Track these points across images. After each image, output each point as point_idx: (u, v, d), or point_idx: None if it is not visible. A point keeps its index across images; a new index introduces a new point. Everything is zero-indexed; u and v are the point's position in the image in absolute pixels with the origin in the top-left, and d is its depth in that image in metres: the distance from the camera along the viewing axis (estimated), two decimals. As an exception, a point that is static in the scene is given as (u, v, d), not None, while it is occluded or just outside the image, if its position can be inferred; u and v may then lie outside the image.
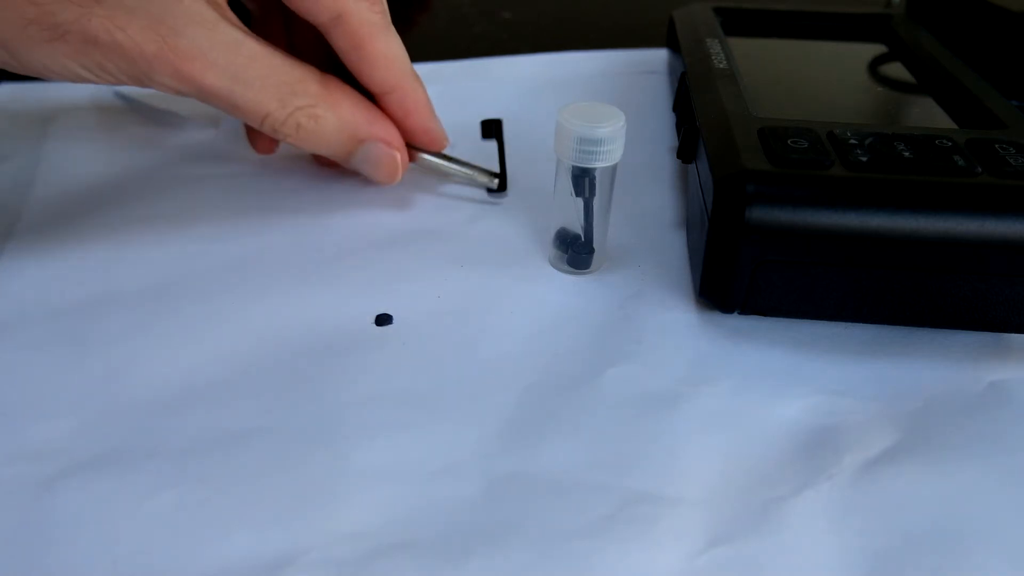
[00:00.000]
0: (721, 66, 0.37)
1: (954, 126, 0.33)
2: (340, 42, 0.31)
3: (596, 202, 0.31)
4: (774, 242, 0.27)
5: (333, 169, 0.39)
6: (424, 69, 0.50)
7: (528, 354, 0.29)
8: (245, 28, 0.29)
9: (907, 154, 0.28)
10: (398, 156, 0.33)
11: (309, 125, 0.30)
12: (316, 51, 0.35)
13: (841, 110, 0.36)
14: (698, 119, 0.32)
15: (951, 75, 0.36)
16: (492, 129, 0.41)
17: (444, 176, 0.38)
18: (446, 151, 0.37)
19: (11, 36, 0.25)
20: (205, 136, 0.42)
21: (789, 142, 0.28)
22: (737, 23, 0.46)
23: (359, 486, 0.24)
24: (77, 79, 0.27)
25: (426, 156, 0.36)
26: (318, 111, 0.30)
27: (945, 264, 0.27)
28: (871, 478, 0.25)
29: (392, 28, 0.32)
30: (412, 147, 0.36)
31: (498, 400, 0.27)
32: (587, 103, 0.31)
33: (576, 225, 0.32)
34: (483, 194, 0.38)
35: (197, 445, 0.25)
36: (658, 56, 0.53)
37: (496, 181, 0.38)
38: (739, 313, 0.30)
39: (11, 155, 0.41)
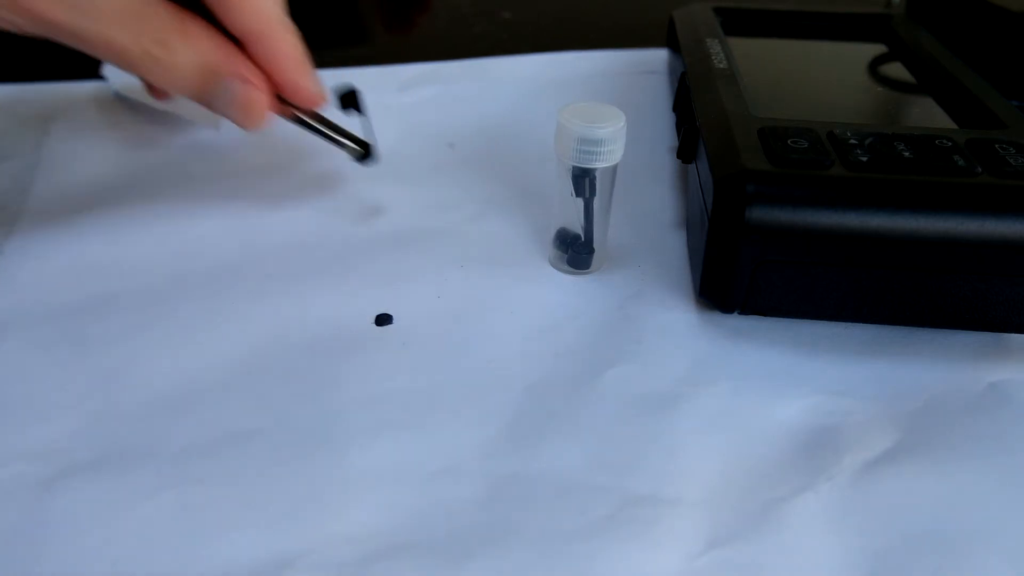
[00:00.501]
0: (721, 66, 0.37)
1: (954, 126, 0.33)
2: None
3: (596, 202, 0.31)
4: (774, 242, 0.27)
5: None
6: (424, 69, 0.51)
7: (528, 354, 0.29)
8: None
9: (907, 154, 0.28)
10: (260, 97, 0.31)
11: (163, 57, 0.28)
12: None
13: (841, 110, 0.36)
14: (698, 119, 0.32)
15: (951, 75, 0.36)
16: (351, 101, 0.35)
17: (315, 136, 0.35)
18: (321, 113, 0.35)
19: None
20: (205, 136, 0.42)
21: (789, 142, 0.28)
22: (737, 23, 0.46)
23: (359, 487, 0.24)
24: None
25: (296, 112, 0.34)
26: (172, 42, 0.29)
27: (945, 264, 0.27)
28: (871, 478, 0.25)
29: None
30: (284, 102, 0.33)
31: (498, 400, 0.27)
32: (587, 103, 0.31)
33: (576, 225, 0.32)
34: (483, 194, 0.38)
35: (197, 445, 0.25)
36: (658, 56, 0.53)
37: (362, 151, 0.35)
38: (739, 313, 0.30)
39: (11, 154, 0.41)
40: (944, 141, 0.29)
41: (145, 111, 0.44)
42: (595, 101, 0.31)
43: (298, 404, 0.27)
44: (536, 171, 0.39)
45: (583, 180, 0.31)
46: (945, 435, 0.26)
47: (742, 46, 0.42)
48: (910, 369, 0.29)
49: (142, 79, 0.30)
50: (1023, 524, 0.23)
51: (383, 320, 0.30)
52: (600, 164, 0.30)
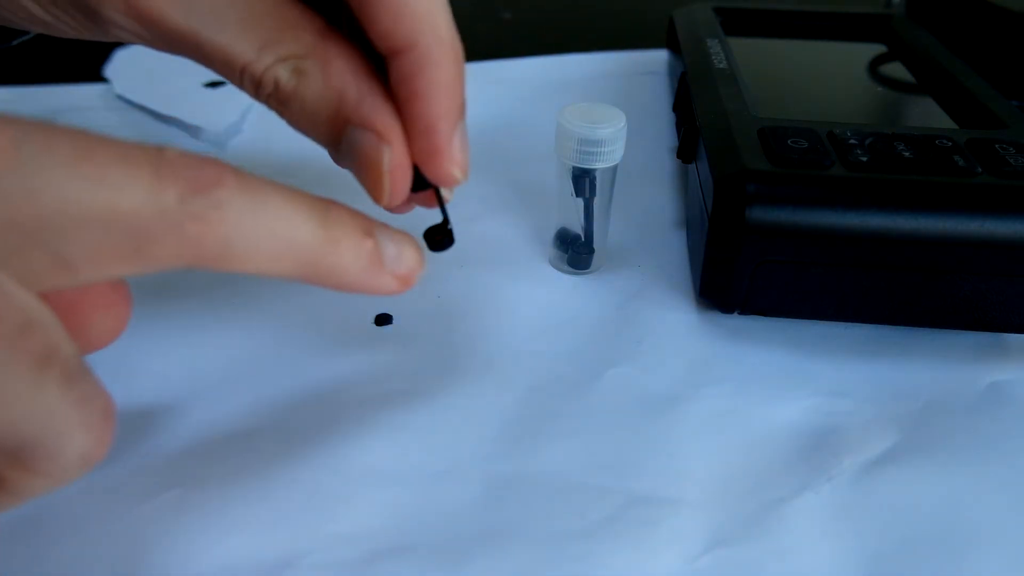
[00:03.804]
0: (721, 66, 0.37)
1: (954, 126, 0.33)
2: None
3: (596, 202, 0.31)
4: (774, 242, 0.27)
5: None
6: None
7: (528, 355, 0.29)
8: None
9: (907, 154, 0.28)
10: (386, 152, 0.22)
11: (290, 83, 0.22)
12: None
13: (841, 110, 0.36)
14: (698, 119, 0.32)
15: (951, 75, 0.36)
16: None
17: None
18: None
19: None
20: (206, 140, 0.42)
21: (789, 142, 0.28)
22: (737, 23, 0.46)
23: (359, 488, 0.24)
24: (27, 16, 0.23)
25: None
26: (305, 65, 0.22)
27: (945, 264, 0.27)
28: (871, 479, 0.24)
29: None
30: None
31: (498, 401, 0.27)
32: (587, 104, 0.31)
33: (576, 225, 0.32)
34: (483, 194, 0.38)
35: (196, 446, 0.25)
36: (658, 57, 0.53)
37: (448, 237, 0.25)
38: (739, 313, 0.30)
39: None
40: (944, 141, 0.29)
41: (147, 114, 0.45)
42: (595, 102, 0.31)
43: (298, 404, 0.27)
44: (536, 171, 0.39)
45: (583, 180, 0.31)
46: (945, 435, 0.26)
47: (742, 46, 0.42)
48: (910, 369, 0.29)
49: (266, 105, 0.23)
50: (1023, 524, 0.23)
51: (383, 320, 0.30)
52: (600, 164, 0.30)
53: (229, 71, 0.22)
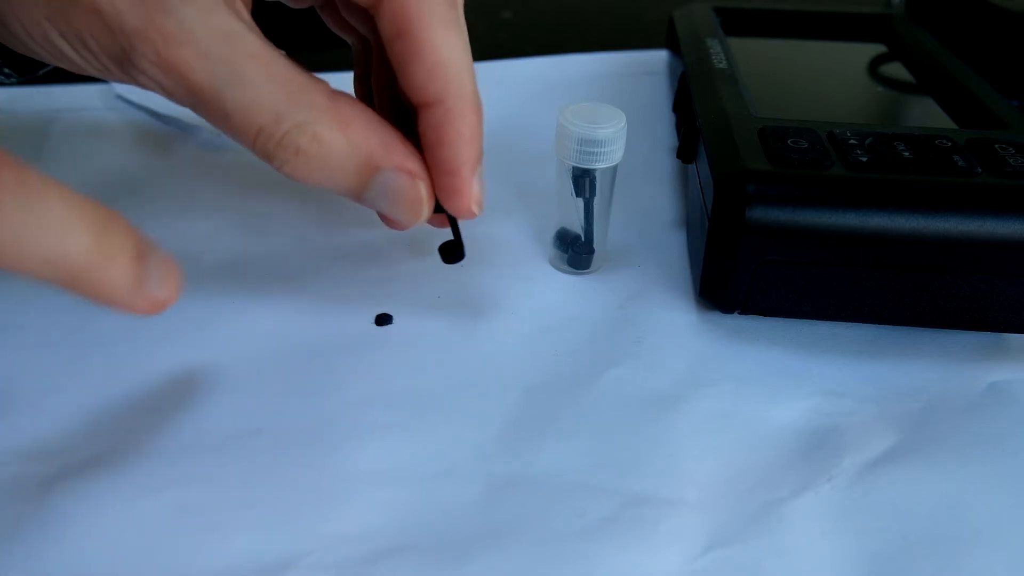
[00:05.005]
0: (721, 66, 0.37)
1: (954, 126, 0.33)
2: (385, 27, 0.25)
3: (596, 202, 0.31)
4: (774, 242, 0.27)
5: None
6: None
7: (528, 354, 0.29)
8: (250, 20, 0.25)
9: (907, 154, 0.28)
10: (422, 187, 0.25)
11: (311, 148, 0.24)
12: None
13: (841, 110, 0.36)
14: (698, 119, 0.32)
15: (951, 75, 0.36)
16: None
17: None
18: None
19: None
20: (206, 139, 0.42)
21: (789, 142, 0.28)
22: (737, 23, 0.46)
23: (359, 488, 0.24)
24: (60, 57, 0.24)
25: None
26: (321, 130, 0.24)
27: (945, 264, 0.27)
28: (871, 479, 0.24)
29: (461, 25, 0.26)
30: None
31: (498, 401, 0.27)
32: (588, 104, 0.31)
33: (576, 225, 0.32)
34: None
35: (197, 445, 0.25)
36: (658, 57, 0.53)
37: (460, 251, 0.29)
38: (739, 313, 0.30)
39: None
40: (944, 141, 0.29)
41: (146, 114, 0.45)
42: (595, 102, 0.31)
43: (298, 404, 0.27)
44: (536, 171, 0.39)
45: (583, 180, 0.31)
46: (945, 435, 0.26)
47: (742, 46, 0.42)
48: (910, 369, 0.29)
49: (280, 171, 0.24)
50: (1023, 524, 0.23)
51: (383, 320, 0.30)
52: (600, 165, 0.30)
53: (244, 133, 0.24)
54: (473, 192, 0.26)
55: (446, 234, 0.29)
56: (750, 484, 0.24)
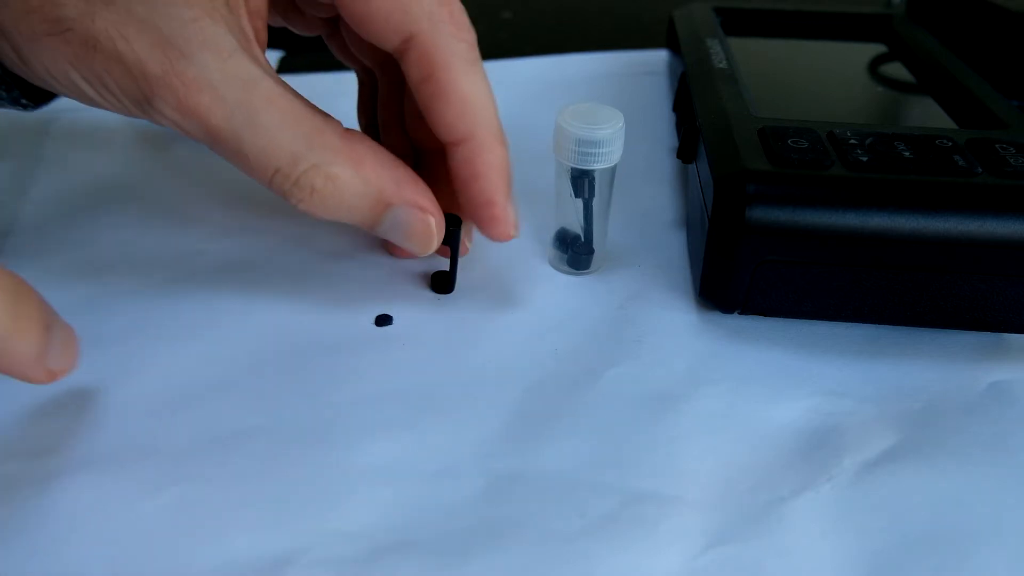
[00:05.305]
0: (721, 66, 0.37)
1: (954, 126, 0.33)
2: (412, 71, 0.26)
3: (596, 203, 0.31)
4: (774, 242, 0.27)
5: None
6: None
7: (528, 354, 0.29)
8: (268, 65, 0.26)
9: (907, 154, 0.28)
10: (432, 221, 0.27)
11: (326, 188, 0.25)
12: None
13: (841, 110, 0.36)
14: (698, 119, 0.32)
15: (951, 75, 0.36)
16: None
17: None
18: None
19: (12, 23, 0.24)
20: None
21: (789, 142, 0.28)
22: (737, 23, 0.46)
23: (359, 486, 0.24)
24: (81, 96, 0.25)
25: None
26: (336, 170, 0.25)
27: (945, 264, 0.27)
28: (871, 479, 0.24)
29: (480, 66, 0.27)
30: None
31: (498, 400, 0.27)
32: (586, 104, 0.31)
33: (576, 225, 0.32)
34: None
35: (197, 445, 0.25)
36: (658, 57, 0.53)
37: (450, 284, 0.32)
38: (739, 313, 0.30)
39: (11, 155, 0.41)
40: (944, 141, 0.29)
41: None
42: (594, 102, 0.31)
43: (298, 404, 0.27)
44: (536, 171, 0.39)
45: (582, 181, 0.31)
46: (945, 435, 0.26)
47: (742, 46, 0.42)
48: (910, 369, 0.29)
49: (296, 207, 0.26)
50: (1023, 524, 0.23)
51: (383, 320, 0.30)
52: (599, 165, 0.30)
53: (261, 173, 0.25)
54: (510, 218, 0.28)
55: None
56: (750, 483, 0.24)
